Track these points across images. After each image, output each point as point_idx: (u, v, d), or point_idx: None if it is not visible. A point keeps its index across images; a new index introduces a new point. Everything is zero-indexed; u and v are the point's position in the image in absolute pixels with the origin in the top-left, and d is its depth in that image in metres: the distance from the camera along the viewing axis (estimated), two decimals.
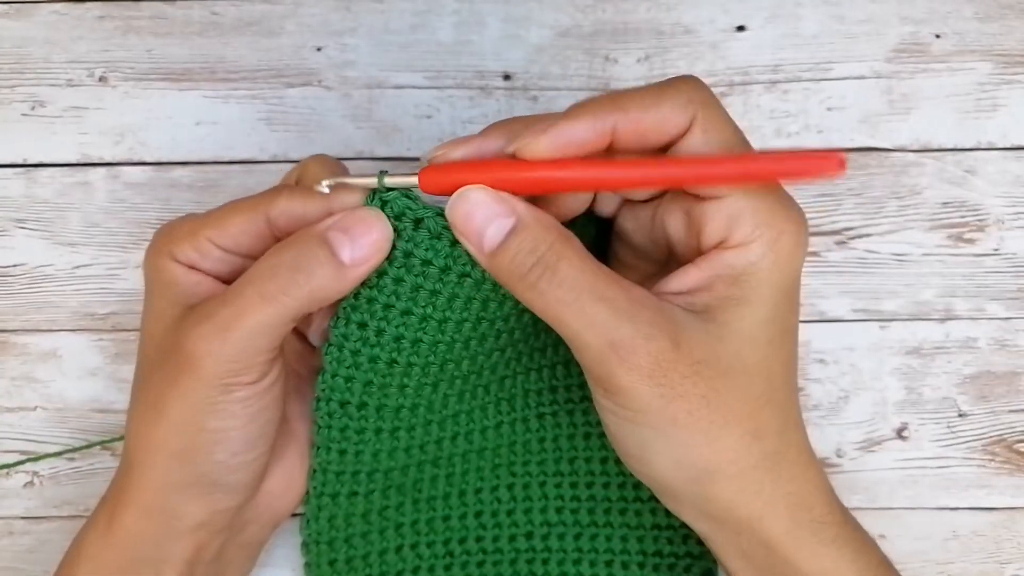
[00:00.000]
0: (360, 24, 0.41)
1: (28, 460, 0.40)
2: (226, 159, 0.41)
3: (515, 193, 0.29)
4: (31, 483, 0.41)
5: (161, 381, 0.30)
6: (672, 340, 0.28)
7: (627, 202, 0.32)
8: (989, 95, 0.40)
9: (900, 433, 0.40)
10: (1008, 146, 0.40)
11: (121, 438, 0.34)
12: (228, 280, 0.32)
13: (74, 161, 0.41)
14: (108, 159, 0.41)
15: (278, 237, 0.31)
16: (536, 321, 0.33)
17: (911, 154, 0.40)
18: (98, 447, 0.40)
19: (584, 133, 0.28)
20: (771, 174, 0.28)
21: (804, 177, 0.27)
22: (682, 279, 0.29)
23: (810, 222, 0.40)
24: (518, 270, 0.28)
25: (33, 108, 0.41)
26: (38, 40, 0.41)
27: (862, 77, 0.40)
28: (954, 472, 0.40)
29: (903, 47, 0.40)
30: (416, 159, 0.40)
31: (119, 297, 0.40)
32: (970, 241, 0.40)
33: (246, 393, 0.30)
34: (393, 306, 0.31)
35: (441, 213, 0.29)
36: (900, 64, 0.40)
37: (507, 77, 0.41)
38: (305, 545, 0.36)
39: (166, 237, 0.32)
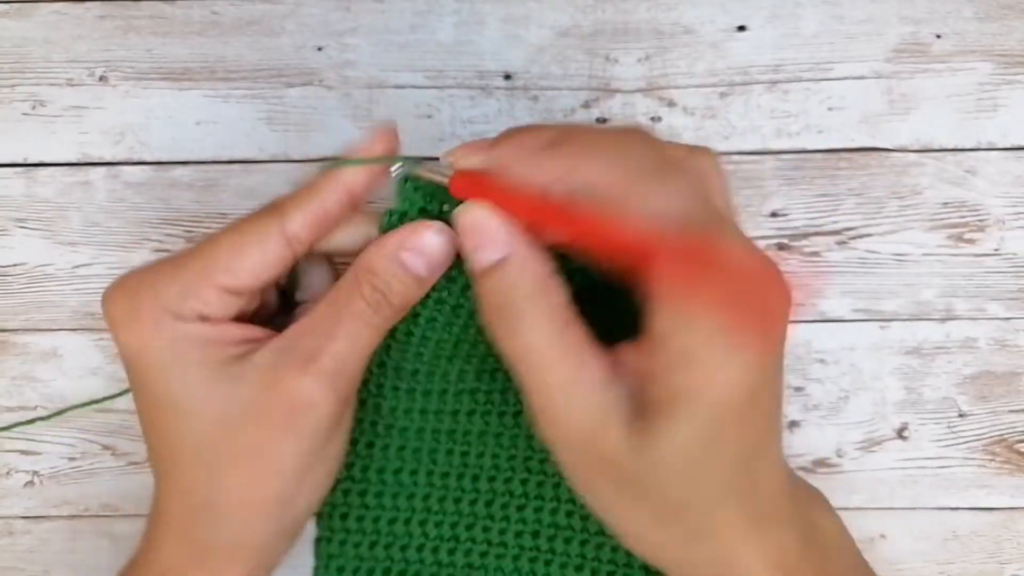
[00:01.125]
0: (360, 24, 0.41)
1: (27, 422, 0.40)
2: (226, 159, 0.41)
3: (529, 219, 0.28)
4: (31, 483, 0.41)
5: (272, 433, 0.29)
6: (589, 430, 0.27)
7: None
8: (989, 95, 0.40)
9: (900, 433, 0.40)
10: (1008, 146, 0.40)
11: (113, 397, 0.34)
12: (241, 316, 0.30)
13: (74, 160, 0.41)
14: (108, 158, 0.41)
15: (298, 253, 0.30)
16: None
17: (911, 154, 0.40)
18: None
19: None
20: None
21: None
22: (633, 357, 0.28)
23: (811, 222, 0.40)
24: (490, 300, 0.28)
25: (33, 107, 0.41)
26: (38, 40, 0.41)
27: (862, 77, 0.40)
28: (954, 472, 0.40)
29: (903, 47, 0.40)
30: (415, 159, 0.40)
31: None
32: (970, 241, 0.40)
33: (349, 421, 0.31)
34: None
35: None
36: (900, 64, 0.40)
37: (507, 77, 0.41)
38: (318, 516, 0.36)
39: (154, 304, 0.28)
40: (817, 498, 0.32)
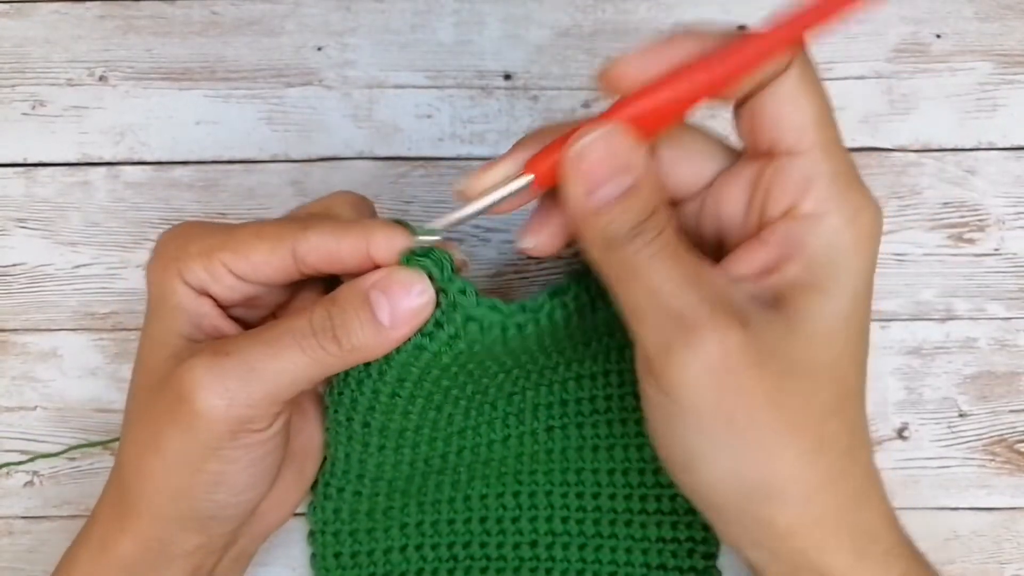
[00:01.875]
0: (360, 24, 0.41)
1: (31, 459, 0.40)
2: (226, 159, 0.41)
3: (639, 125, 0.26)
4: (31, 483, 0.40)
5: (161, 416, 0.28)
6: (742, 329, 0.25)
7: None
8: (989, 95, 0.40)
9: (900, 433, 0.40)
10: (1008, 146, 0.40)
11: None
12: (232, 307, 0.31)
13: (74, 160, 0.41)
14: (108, 158, 0.41)
15: (303, 272, 0.30)
16: (545, 344, 0.32)
17: (911, 154, 0.40)
18: (99, 448, 0.40)
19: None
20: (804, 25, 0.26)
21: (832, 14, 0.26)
22: (747, 259, 0.27)
23: None
24: (614, 233, 0.26)
25: (33, 107, 0.41)
26: (38, 39, 0.41)
27: (862, 77, 0.40)
28: (954, 472, 0.40)
29: (903, 47, 0.40)
30: (414, 159, 0.40)
31: (119, 297, 0.40)
32: (970, 241, 0.40)
33: (252, 440, 0.29)
34: (393, 356, 0.30)
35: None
36: (900, 64, 0.40)
37: (508, 77, 0.40)
38: (312, 534, 0.37)
39: (176, 251, 0.30)
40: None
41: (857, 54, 0.40)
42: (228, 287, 0.30)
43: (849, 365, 0.27)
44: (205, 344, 0.29)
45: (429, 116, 0.41)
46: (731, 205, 0.28)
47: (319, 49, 0.41)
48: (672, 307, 0.25)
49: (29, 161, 0.41)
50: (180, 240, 0.30)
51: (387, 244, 0.29)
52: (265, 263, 0.29)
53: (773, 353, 0.25)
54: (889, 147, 0.40)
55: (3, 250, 0.41)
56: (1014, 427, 0.40)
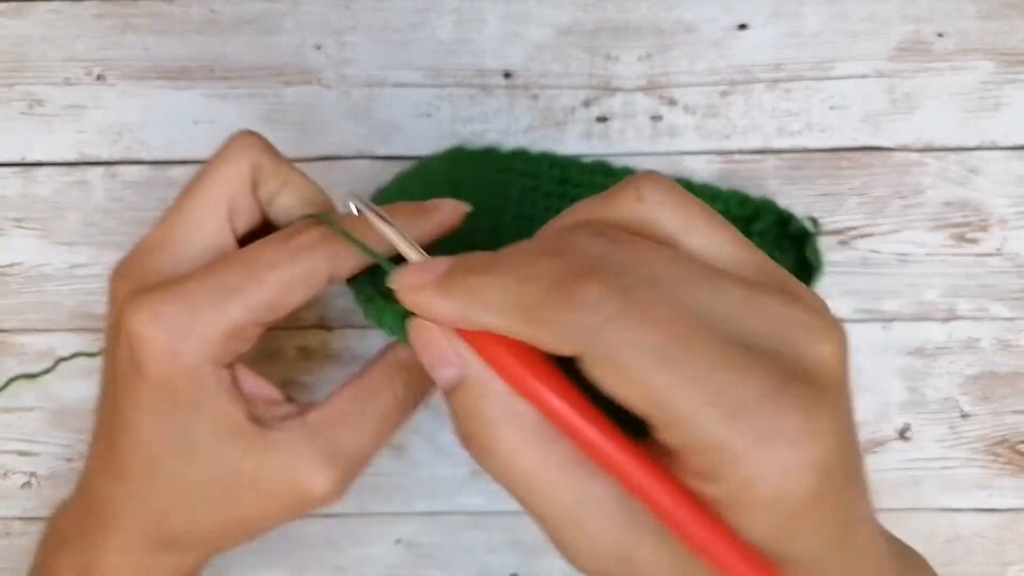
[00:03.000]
0: (359, 22, 0.40)
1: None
2: None
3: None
4: (28, 484, 0.40)
5: (256, 506, 0.29)
6: (624, 555, 0.22)
7: None
8: (992, 94, 0.40)
9: (903, 434, 0.40)
10: (1011, 145, 0.40)
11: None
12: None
13: (72, 160, 0.41)
14: (106, 158, 0.41)
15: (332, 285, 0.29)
16: None
17: (914, 153, 0.40)
18: None
19: (443, 313, 0.23)
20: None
21: None
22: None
23: None
24: (459, 427, 0.24)
25: (31, 107, 0.41)
26: (36, 38, 0.41)
27: (864, 76, 0.40)
28: (957, 473, 0.40)
29: (905, 46, 0.40)
30: (414, 158, 0.40)
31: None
32: (973, 241, 0.40)
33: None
34: None
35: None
36: (902, 63, 0.40)
37: (507, 75, 0.40)
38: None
39: (196, 333, 0.27)
40: (923, 564, 0.28)
41: (859, 53, 0.40)
42: (255, 336, 0.29)
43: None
44: (301, 445, 0.29)
45: (428, 115, 0.40)
46: None
47: (318, 48, 0.40)
48: (533, 512, 0.23)
49: (27, 160, 0.41)
50: (187, 322, 0.27)
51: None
52: (304, 300, 0.28)
53: None
54: (891, 146, 0.40)
55: (0, 250, 0.40)
56: (1016, 428, 0.40)
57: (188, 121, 0.41)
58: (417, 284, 0.23)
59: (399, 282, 0.24)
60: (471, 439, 0.24)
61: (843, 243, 0.40)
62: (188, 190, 0.29)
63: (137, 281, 0.28)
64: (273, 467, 0.28)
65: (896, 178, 0.40)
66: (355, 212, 0.26)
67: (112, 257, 0.40)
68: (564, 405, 0.22)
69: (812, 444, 0.20)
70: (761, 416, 0.20)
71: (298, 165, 0.40)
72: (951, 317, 0.40)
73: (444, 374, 0.24)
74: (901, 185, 0.40)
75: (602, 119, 0.40)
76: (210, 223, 0.29)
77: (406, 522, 0.41)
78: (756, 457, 0.20)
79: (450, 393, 0.24)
